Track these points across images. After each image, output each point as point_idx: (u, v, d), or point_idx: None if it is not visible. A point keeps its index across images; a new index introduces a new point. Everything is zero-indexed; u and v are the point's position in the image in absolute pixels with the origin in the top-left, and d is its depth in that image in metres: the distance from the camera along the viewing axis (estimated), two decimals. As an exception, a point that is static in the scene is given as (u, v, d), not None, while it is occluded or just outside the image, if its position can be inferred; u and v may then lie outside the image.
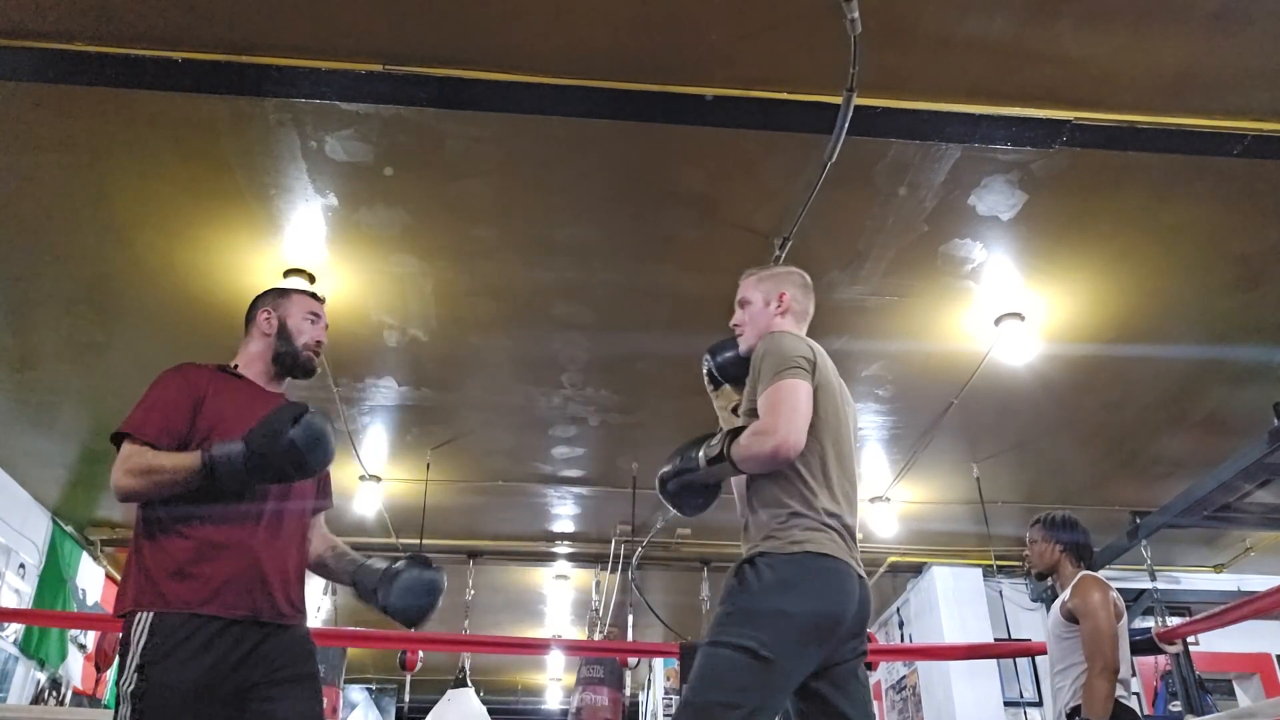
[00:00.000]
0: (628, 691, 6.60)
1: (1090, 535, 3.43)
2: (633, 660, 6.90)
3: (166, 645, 1.88)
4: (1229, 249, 4.00)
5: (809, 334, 2.45)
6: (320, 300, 2.41)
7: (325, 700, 6.21)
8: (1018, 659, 6.85)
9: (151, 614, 1.91)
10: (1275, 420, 4.66)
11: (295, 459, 1.95)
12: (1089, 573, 3.27)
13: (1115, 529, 6.38)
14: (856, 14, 2.81)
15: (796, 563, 2.01)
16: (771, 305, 2.45)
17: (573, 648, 7.00)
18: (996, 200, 3.75)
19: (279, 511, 2.12)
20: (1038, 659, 6.54)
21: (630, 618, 6.70)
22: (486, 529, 7.13)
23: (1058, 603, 3.28)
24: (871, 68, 3.05)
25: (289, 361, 2.29)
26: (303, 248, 4.04)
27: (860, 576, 2.11)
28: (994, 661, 6.79)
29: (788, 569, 2.01)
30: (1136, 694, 7.05)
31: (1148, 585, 6.25)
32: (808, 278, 2.54)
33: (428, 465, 5.85)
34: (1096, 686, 3.01)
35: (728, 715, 1.85)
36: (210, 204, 3.77)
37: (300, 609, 2.13)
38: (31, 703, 6.25)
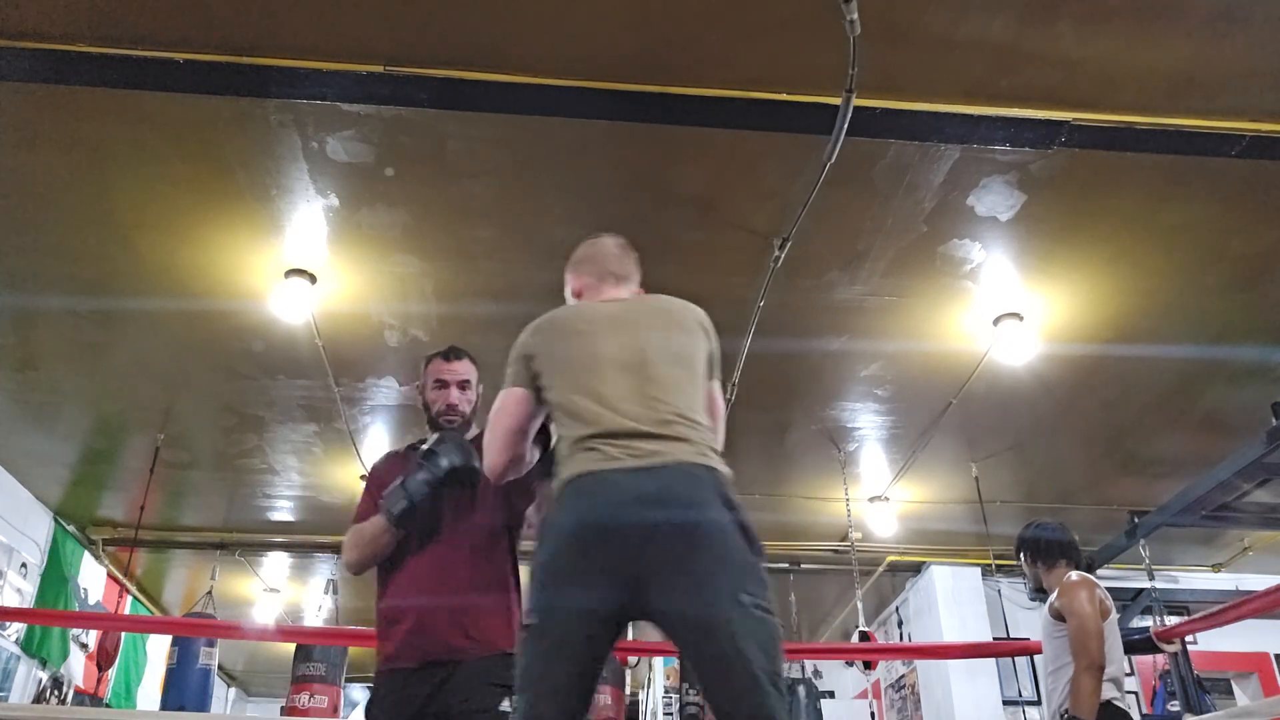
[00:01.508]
0: (627, 690, 6.61)
1: (1070, 533, 3.45)
2: (633, 659, 6.91)
3: (373, 698, 2.23)
4: (1228, 249, 4.01)
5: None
6: (451, 358, 2.56)
7: (326, 699, 6.17)
8: (1016, 658, 6.85)
9: (375, 673, 2.27)
10: (1273, 420, 4.67)
11: (432, 461, 2.24)
12: (1076, 572, 3.30)
13: (1114, 528, 6.39)
14: (856, 15, 2.82)
15: (549, 516, 1.81)
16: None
17: None
18: (995, 201, 3.76)
19: (445, 552, 2.26)
20: (1036, 658, 6.55)
21: (630, 617, 6.70)
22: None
23: (1048, 603, 3.32)
24: (871, 68, 3.06)
25: (434, 429, 2.49)
26: (304, 248, 4.05)
27: (646, 469, 1.73)
28: (993, 661, 6.80)
29: (542, 528, 1.83)
30: (1134, 693, 7.06)
31: (1146, 584, 6.26)
32: (582, 246, 2.38)
33: (428, 465, 5.85)
34: (1081, 683, 3.01)
35: (521, 703, 1.69)
36: (211, 204, 3.77)
37: (480, 639, 2.16)
38: (33, 702, 6.27)
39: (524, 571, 2.14)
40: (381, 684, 2.21)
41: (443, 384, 2.51)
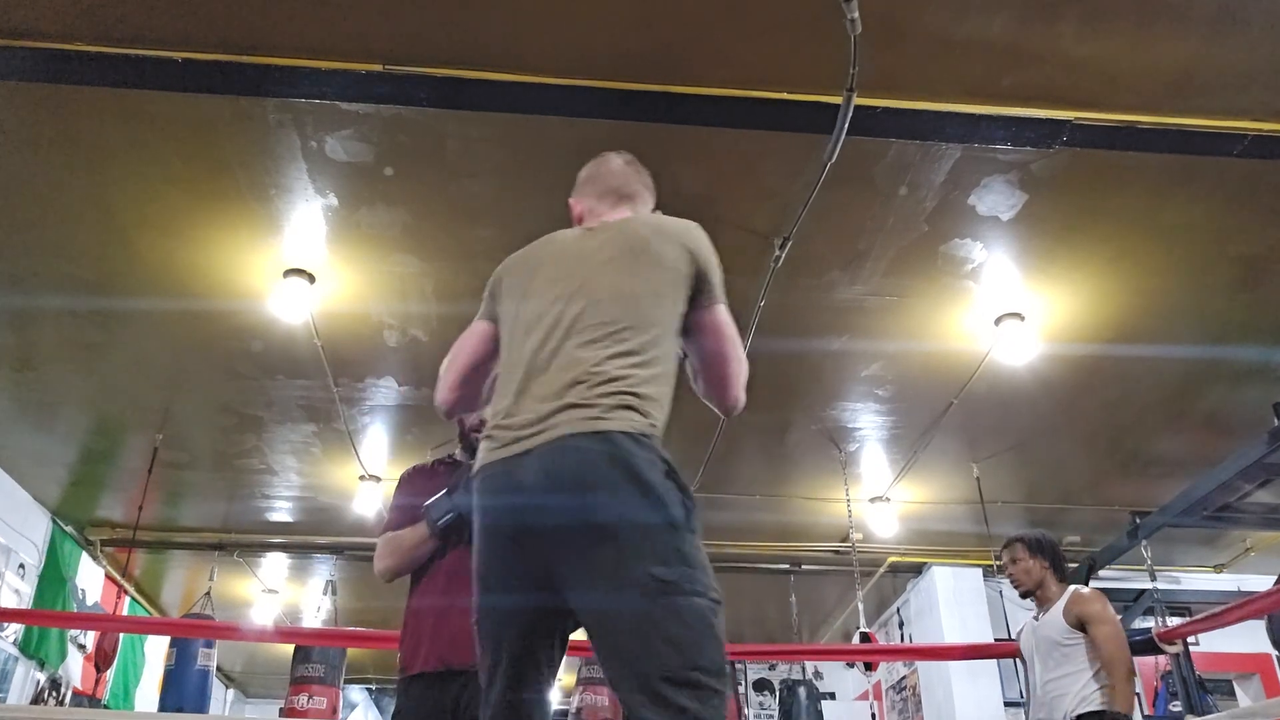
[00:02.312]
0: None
1: (1062, 553, 3.60)
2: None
3: (398, 704, 2.29)
4: (1229, 249, 4.00)
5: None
6: None
7: (324, 700, 6.16)
8: (1018, 659, 6.84)
9: (398, 679, 2.32)
10: (1275, 420, 4.65)
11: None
12: (1082, 585, 3.43)
13: (1115, 529, 6.38)
14: (856, 14, 2.81)
15: None
16: None
17: (573, 648, 6.98)
18: (996, 200, 3.75)
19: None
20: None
21: (630, 618, 6.70)
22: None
23: (1054, 612, 3.36)
24: (871, 68, 3.05)
25: (466, 445, 2.54)
26: (303, 248, 4.04)
27: (528, 450, 1.55)
28: (994, 661, 6.78)
29: None
30: (1135, 694, 7.06)
31: (1148, 585, 6.23)
32: (587, 166, 2.23)
33: (428, 465, 5.84)
34: (1128, 688, 3.14)
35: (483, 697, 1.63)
36: (210, 204, 3.77)
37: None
38: (31, 703, 6.26)
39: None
40: (405, 691, 2.26)
41: None
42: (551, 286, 1.78)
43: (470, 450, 2.51)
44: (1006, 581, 3.70)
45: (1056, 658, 3.30)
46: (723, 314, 1.78)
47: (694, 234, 1.86)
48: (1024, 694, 3.73)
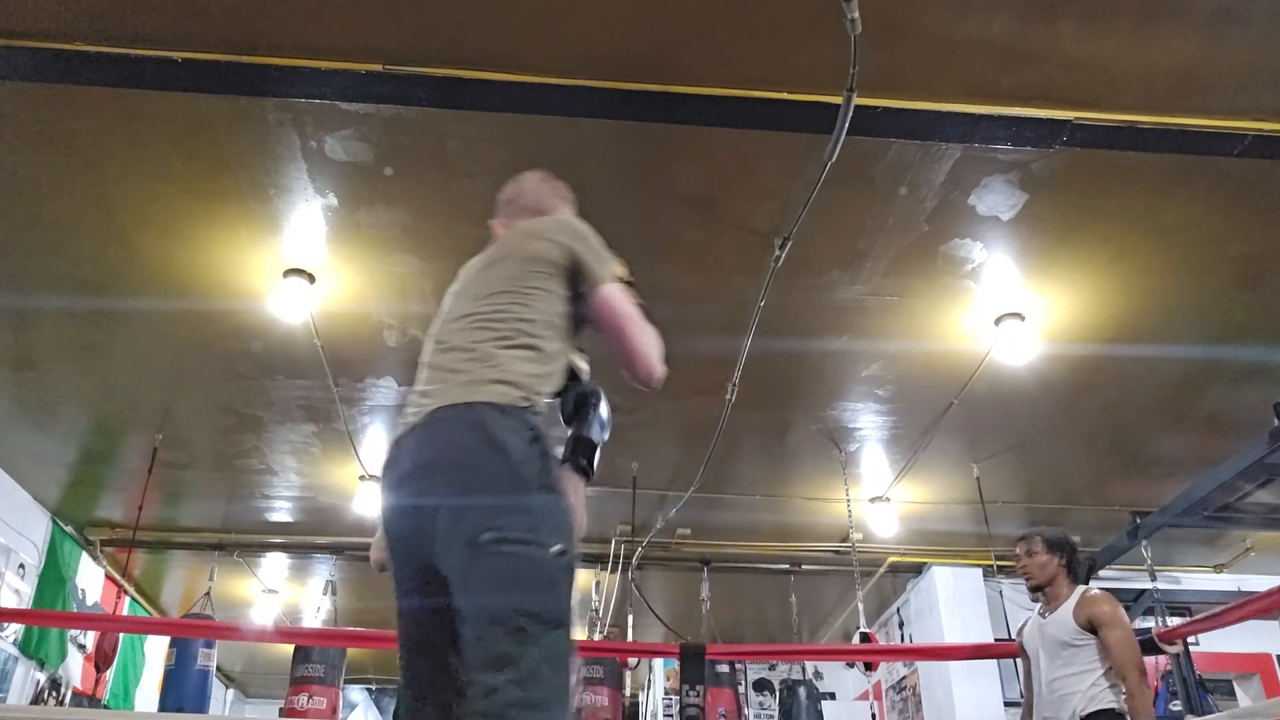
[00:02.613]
0: (627, 691, 6.60)
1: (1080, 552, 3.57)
2: (633, 660, 6.90)
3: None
4: (1229, 249, 4.00)
5: None
6: None
7: (324, 701, 6.15)
8: (1017, 657, 6.84)
9: None
10: (1275, 420, 4.65)
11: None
12: (1095, 586, 3.42)
13: (1115, 529, 6.38)
14: (856, 14, 2.81)
15: None
16: None
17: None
18: (996, 200, 3.75)
19: None
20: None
21: (630, 618, 6.69)
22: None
23: (1063, 612, 3.35)
24: (871, 68, 3.05)
25: None
26: (303, 248, 4.04)
27: (414, 425, 1.69)
28: (994, 661, 6.78)
29: None
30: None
31: (1148, 585, 6.24)
32: (504, 190, 2.36)
33: (428, 465, 5.84)
34: (1144, 690, 3.14)
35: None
36: (210, 204, 3.76)
37: None
38: (31, 703, 6.25)
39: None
40: None
41: None
42: (449, 299, 1.98)
43: None
44: (1006, 581, 3.70)
45: (1065, 657, 3.30)
46: (606, 294, 1.85)
47: (564, 227, 1.96)
48: (1022, 691, 3.72)
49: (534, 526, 1.52)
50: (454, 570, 1.53)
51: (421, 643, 1.65)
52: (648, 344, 1.85)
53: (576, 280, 1.85)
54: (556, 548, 1.51)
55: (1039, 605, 3.50)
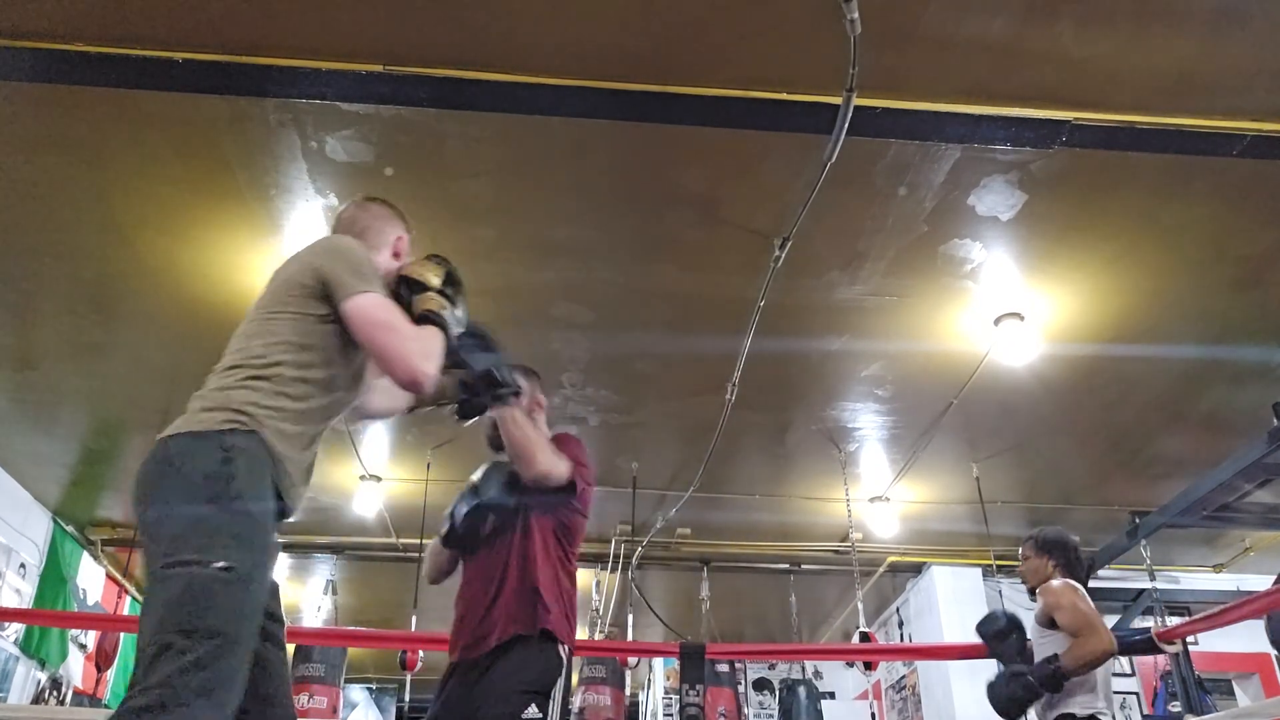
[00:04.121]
0: (627, 691, 6.60)
1: (1080, 550, 3.49)
2: (633, 660, 6.90)
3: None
4: (1229, 249, 4.00)
5: None
6: None
7: (325, 700, 6.17)
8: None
9: None
10: (1275, 420, 4.66)
11: (472, 491, 2.50)
12: (1059, 579, 3.37)
13: (1115, 529, 6.38)
14: (856, 14, 2.81)
15: None
16: None
17: (573, 647, 6.97)
18: (996, 200, 3.75)
19: (482, 553, 2.52)
20: (1037, 659, 6.52)
21: (630, 617, 6.70)
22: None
23: (1034, 612, 3.34)
24: (871, 68, 3.06)
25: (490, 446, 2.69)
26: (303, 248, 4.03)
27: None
28: (994, 661, 6.77)
29: None
30: (1135, 693, 7.05)
31: (1147, 585, 6.25)
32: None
33: (428, 465, 5.84)
34: (1088, 645, 3.08)
35: None
36: (210, 204, 3.77)
37: (483, 638, 2.36)
38: (32, 702, 6.26)
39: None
40: (443, 679, 2.45)
41: None
42: None
43: (495, 448, 2.65)
44: (1006, 581, 3.69)
45: (1040, 655, 3.30)
46: (355, 305, 1.85)
47: (316, 248, 1.99)
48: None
49: (203, 545, 1.56)
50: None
51: None
52: (400, 346, 1.84)
53: (329, 299, 1.87)
54: (220, 564, 1.55)
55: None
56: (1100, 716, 3.10)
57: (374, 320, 1.85)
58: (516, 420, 2.35)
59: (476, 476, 2.54)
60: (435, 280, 2.06)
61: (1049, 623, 3.25)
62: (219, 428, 1.69)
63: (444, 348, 1.96)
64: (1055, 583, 3.33)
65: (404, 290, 2.05)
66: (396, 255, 2.19)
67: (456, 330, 2.05)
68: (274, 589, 1.83)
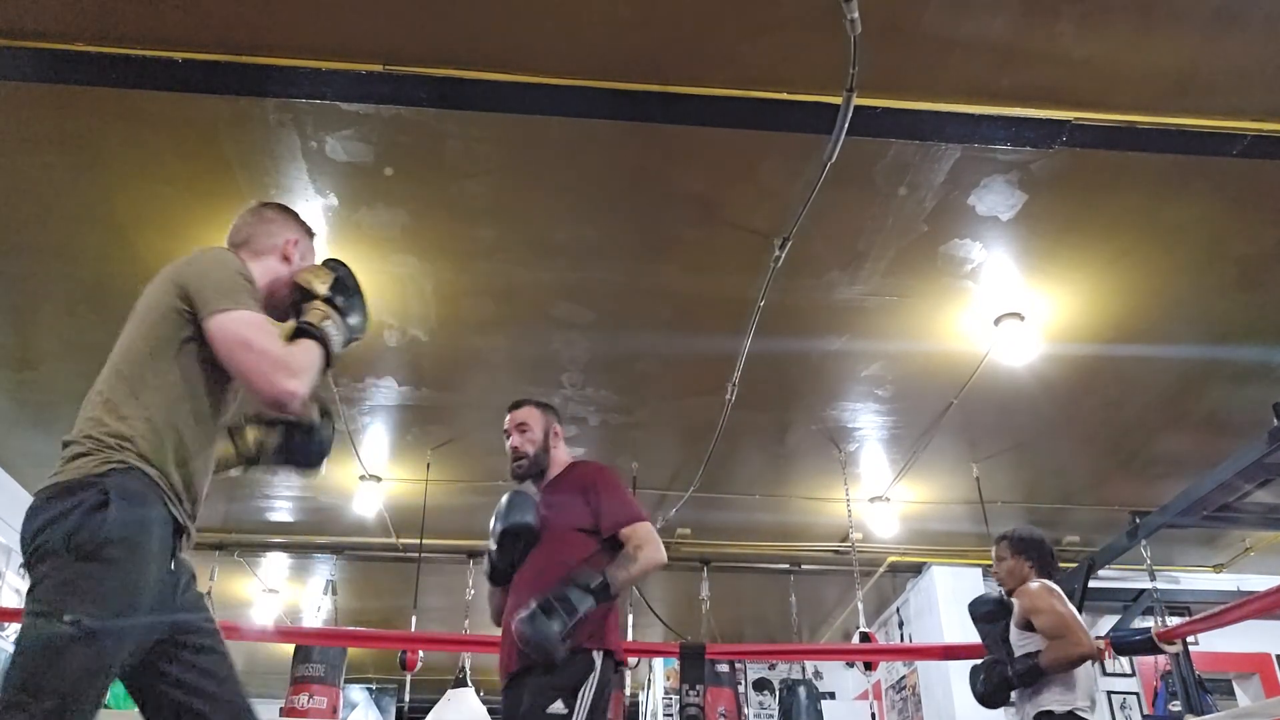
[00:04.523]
0: (628, 691, 6.60)
1: (1053, 548, 3.50)
2: (633, 660, 6.90)
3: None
4: (1229, 249, 4.01)
5: None
6: (510, 409, 2.87)
7: (325, 700, 6.15)
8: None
9: None
10: (1275, 420, 4.65)
11: (494, 530, 2.67)
12: (1036, 580, 3.36)
13: (1115, 529, 6.38)
14: (856, 14, 2.82)
15: None
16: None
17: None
18: (996, 200, 3.75)
19: (519, 574, 2.64)
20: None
21: (630, 617, 6.70)
22: (487, 529, 7.12)
23: (1013, 616, 3.32)
24: (871, 68, 3.06)
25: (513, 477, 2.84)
26: (303, 248, 4.04)
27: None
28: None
29: None
30: (1135, 694, 7.05)
31: (1147, 585, 6.24)
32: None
33: (428, 465, 5.85)
34: (1065, 649, 3.07)
35: None
36: (210, 204, 3.77)
37: (518, 657, 2.44)
38: (31, 703, 6.24)
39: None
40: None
41: (506, 433, 2.86)
42: None
43: (518, 479, 2.81)
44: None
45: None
46: (217, 324, 1.77)
47: (180, 265, 1.90)
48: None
49: (57, 600, 1.53)
50: None
51: None
52: (259, 363, 1.74)
53: (194, 317, 1.79)
54: (70, 617, 1.50)
55: None
56: (1079, 713, 3.08)
57: (235, 337, 1.76)
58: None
59: (500, 509, 2.66)
60: (321, 289, 1.96)
61: (1027, 625, 3.23)
62: (94, 471, 1.63)
63: (321, 362, 1.87)
64: (1033, 585, 3.30)
65: (297, 297, 1.98)
66: (287, 259, 2.04)
67: (341, 339, 1.95)
68: (196, 599, 1.90)
